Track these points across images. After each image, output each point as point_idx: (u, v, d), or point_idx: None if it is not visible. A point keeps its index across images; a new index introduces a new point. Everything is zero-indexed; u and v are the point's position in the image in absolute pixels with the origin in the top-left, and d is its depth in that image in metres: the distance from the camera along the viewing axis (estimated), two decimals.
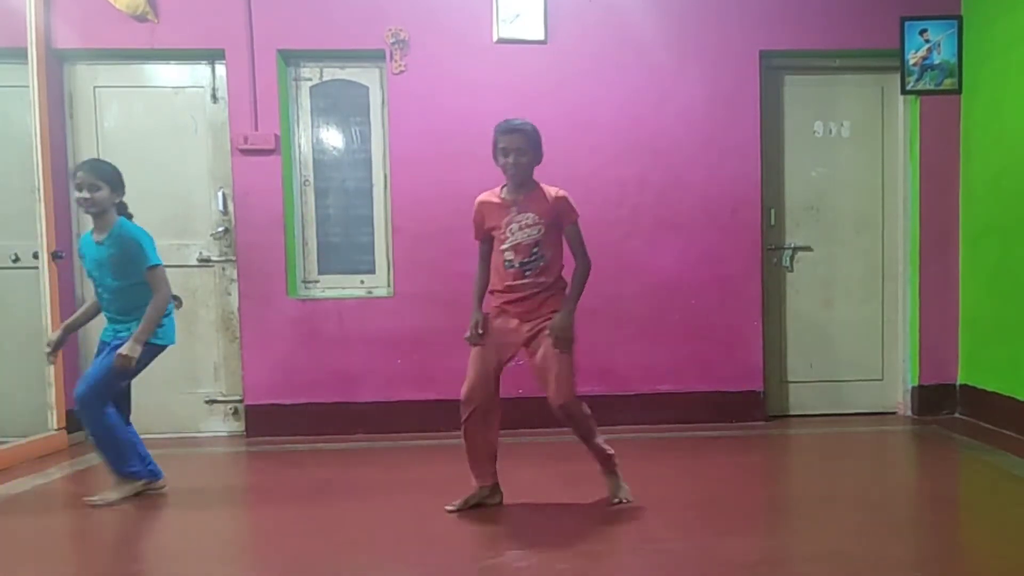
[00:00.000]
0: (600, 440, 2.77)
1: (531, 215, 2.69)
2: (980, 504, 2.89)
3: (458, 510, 2.75)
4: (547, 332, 2.65)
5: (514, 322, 2.71)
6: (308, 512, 2.87)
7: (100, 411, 2.90)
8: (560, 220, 2.73)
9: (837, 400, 4.44)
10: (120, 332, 2.95)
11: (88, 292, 4.20)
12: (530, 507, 2.82)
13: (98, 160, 3.08)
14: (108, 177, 2.91)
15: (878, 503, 2.80)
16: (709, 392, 4.22)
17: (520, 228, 2.68)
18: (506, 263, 2.69)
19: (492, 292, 2.78)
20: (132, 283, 2.93)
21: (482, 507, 2.79)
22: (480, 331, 2.70)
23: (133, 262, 2.91)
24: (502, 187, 2.78)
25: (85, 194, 2.85)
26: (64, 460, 3.74)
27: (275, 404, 4.13)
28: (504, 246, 2.70)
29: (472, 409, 2.68)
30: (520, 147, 2.65)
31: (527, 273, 2.68)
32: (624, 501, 2.78)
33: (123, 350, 2.83)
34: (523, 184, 2.72)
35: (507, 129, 2.68)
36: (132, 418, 4.19)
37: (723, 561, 2.26)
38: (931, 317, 4.31)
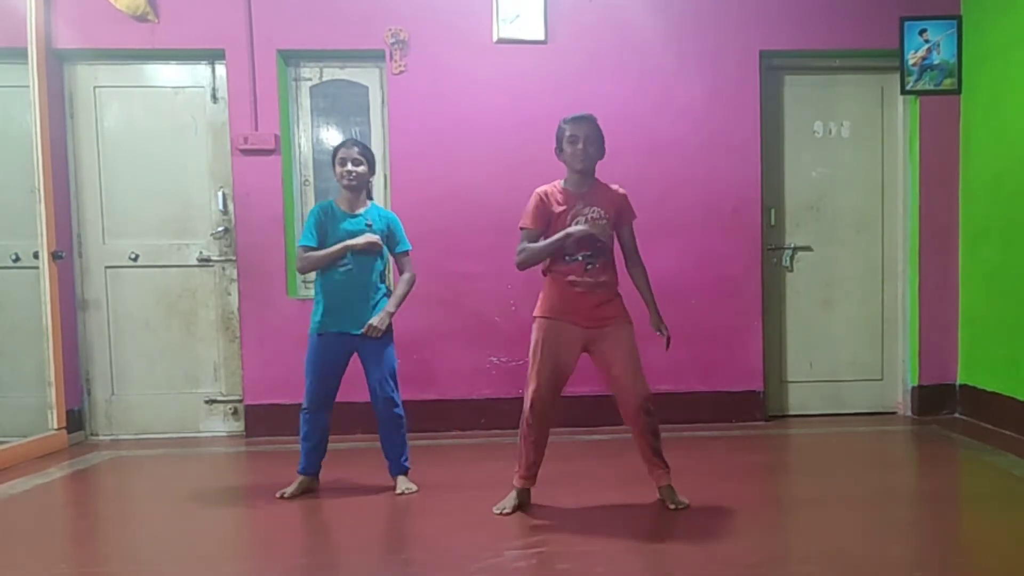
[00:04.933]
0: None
1: (597, 209, 2.69)
2: (980, 504, 2.89)
3: (509, 512, 2.74)
4: (620, 335, 2.69)
5: (572, 329, 2.69)
6: (308, 512, 2.87)
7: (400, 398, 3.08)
8: (621, 218, 2.77)
9: (837, 400, 4.44)
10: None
11: (89, 291, 4.20)
12: (530, 507, 2.82)
13: (360, 140, 3.19)
14: (370, 157, 3.06)
15: (878, 503, 2.80)
16: (709, 392, 4.23)
17: (587, 221, 2.66)
18: (567, 257, 2.67)
19: (546, 292, 2.75)
20: (375, 261, 3.05)
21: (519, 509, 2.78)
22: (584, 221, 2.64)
23: (391, 242, 3.10)
24: (563, 181, 2.76)
25: (350, 167, 2.98)
26: (64, 460, 3.74)
27: (275, 404, 4.12)
28: None
29: (536, 415, 2.70)
30: (589, 135, 2.67)
31: (589, 267, 2.67)
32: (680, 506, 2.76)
33: (375, 321, 2.96)
34: (588, 175, 2.72)
35: (577, 117, 2.69)
36: (133, 417, 4.24)
37: (723, 561, 2.26)
38: (931, 317, 4.31)
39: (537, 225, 2.71)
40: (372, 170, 3.07)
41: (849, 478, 3.17)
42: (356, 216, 3.02)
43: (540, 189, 2.75)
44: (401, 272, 3.13)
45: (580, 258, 2.67)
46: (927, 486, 3.17)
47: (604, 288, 2.70)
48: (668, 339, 2.79)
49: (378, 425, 3.08)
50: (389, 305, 3.03)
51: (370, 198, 3.13)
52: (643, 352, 2.77)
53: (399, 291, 3.06)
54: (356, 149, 3.00)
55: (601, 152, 2.74)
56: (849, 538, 2.43)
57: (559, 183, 2.76)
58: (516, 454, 2.81)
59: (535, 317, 2.76)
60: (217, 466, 3.73)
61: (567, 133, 2.68)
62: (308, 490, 3.08)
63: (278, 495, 3.01)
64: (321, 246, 2.98)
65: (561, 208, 2.69)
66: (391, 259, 3.20)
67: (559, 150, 2.74)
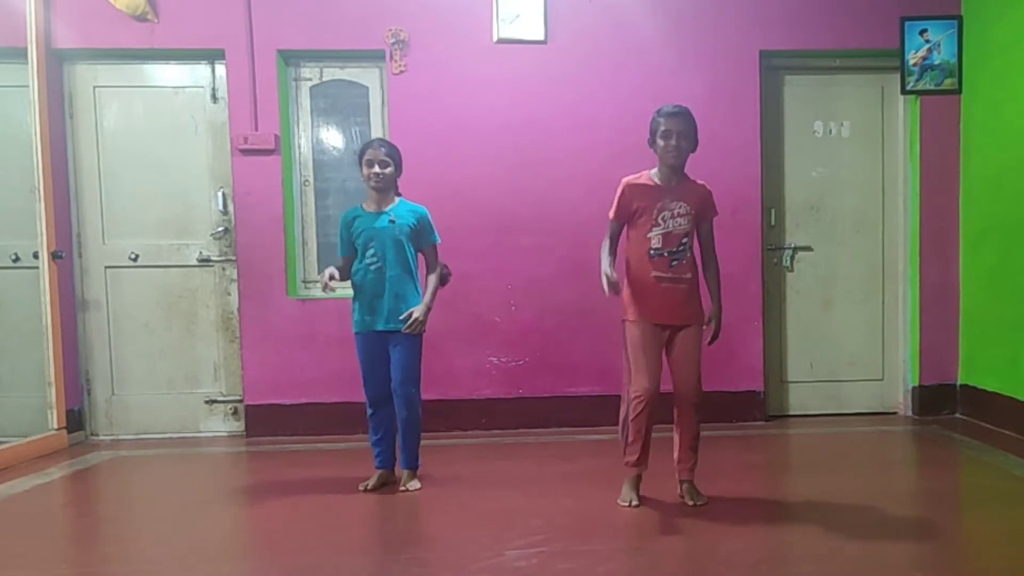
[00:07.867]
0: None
1: (684, 204, 2.68)
2: (980, 504, 2.89)
3: (631, 503, 2.76)
4: (691, 333, 2.72)
5: (657, 328, 2.71)
6: (308, 512, 2.87)
7: (420, 397, 3.12)
8: (703, 214, 2.75)
9: (837, 400, 4.44)
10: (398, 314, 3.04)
11: (89, 291, 4.21)
12: (531, 506, 2.82)
13: (387, 140, 3.23)
14: (396, 157, 3.08)
15: (878, 503, 2.80)
16: (709, 392, 4.14)
17: (673, 216, 2.67)
18: (652, 251, 2.67)
19: (630, 288, 2.73)
20: (406, 258, 3.07)
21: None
22: (616, 282, 2.61)
23: (421, 236, 3.11)
24: (654, 171, 2.75)
25: (377, 169, 3.01)
26: (64, 460, 3.74)
27: (275, 404, 4.13)
28: (652, 232, 2.67)
29: (646, 403, 2.68)
30: (683, 130, 2.64)
31: (673, 264, 2.68)
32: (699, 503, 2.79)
33: (417, 313, 3.03)
34: (677, 170, 2.70)
35: (672, 112, 2.66)
36: (133, 417, 4.24)
37: (723, 561, 2.26)
38: (931, 317, 4.31)
39: (618, 218, 2.75)
40: (399, 170, 3.12)
41: (849, 478, 3.16)
42: (381, 214, 3.07)
43: (627, 180, 2.76)
44: (428, 267, 3.17)
45: (666, 254, 2.67)
46: (927, 486, 3.17)
47: (687, 284, 2.72)
48: (714, 335, 2.80)
49: (396, 421, 3.13)
50: (426, 299, 3.10)
51: (398, 194, 3.16)
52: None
53: (431, 285, 3.13)
54: (383, 151, 3.05)
55: (694, 146, 2.71)
56: (849, 538, 2.43)
57: (650, 173, 2.75)
58: (624, 446, 2.79)
59: (624, 321, 2.76)
60: (217, 466, 3.72)
61: (661, 127, 2.66)
62: (385, 483, 3.14)
63: (360, 487, 3.08)
64: (353, 249, 3.09)
65: (646, 203, 2.69)
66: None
67: (651, 142, 2.73)
